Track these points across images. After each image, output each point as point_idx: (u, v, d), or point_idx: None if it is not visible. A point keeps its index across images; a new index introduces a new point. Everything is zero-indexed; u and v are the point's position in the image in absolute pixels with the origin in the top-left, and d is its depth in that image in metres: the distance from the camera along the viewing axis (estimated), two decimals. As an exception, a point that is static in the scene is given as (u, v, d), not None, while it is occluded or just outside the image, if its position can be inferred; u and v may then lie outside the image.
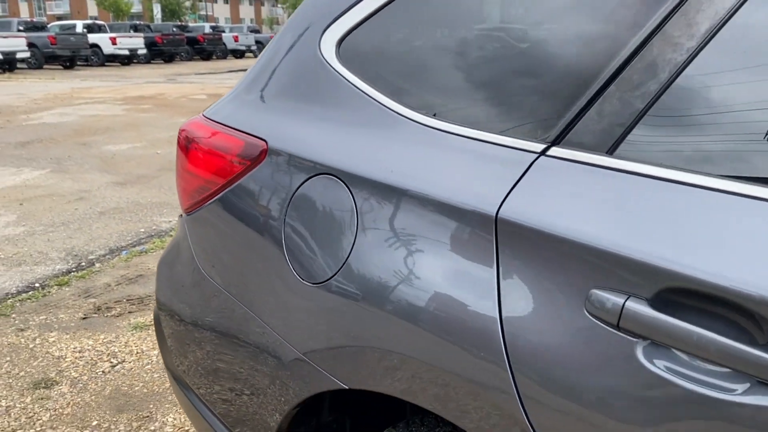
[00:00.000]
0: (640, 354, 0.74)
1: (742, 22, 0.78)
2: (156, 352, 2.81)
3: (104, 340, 2.92)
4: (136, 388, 2.55)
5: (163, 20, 55.61)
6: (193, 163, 1.35)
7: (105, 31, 27.02)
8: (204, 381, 1.38)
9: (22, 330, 3.03)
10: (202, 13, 67.63)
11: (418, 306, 0.93)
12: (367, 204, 1.02)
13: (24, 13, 67.18)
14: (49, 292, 3.47)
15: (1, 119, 9.98)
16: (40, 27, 25.17)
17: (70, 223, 4.66)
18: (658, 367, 0.72)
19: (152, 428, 2.30)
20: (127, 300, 3.34)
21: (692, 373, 0.71)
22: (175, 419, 2.35)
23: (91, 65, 26.04)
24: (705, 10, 0.80)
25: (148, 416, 2.37)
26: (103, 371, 2.67)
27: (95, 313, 3.21)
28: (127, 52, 26.43)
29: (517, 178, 0.89)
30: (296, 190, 1.13)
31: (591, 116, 0.86)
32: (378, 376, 0.99)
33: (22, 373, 2.65)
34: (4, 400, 2.46)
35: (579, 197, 0.83)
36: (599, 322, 0.76)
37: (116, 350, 2.84)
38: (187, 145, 1.37)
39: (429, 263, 0.94)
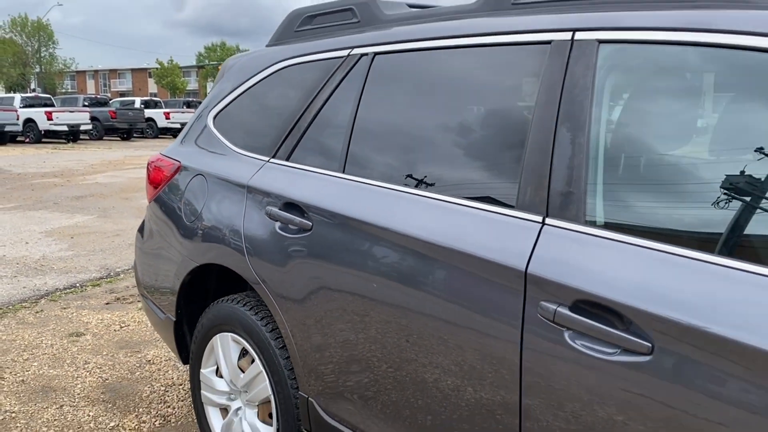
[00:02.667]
0: (566, 337, 1.35)
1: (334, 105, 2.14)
2: (151, 321, 4.15)
3: (118, 315, 4.30)
4: (135, 338, 3.89)
5: (216, 97, 59.11)
6: (150, 176, 2.75)
7: (160, 107, 29.72)
8: (148, 281, 2.73)
9: (64, 308, 4.43)
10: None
11: (227, 232, 2.28)
12: (213, 186, 2.39)
13: (90, 90, 72.51)
14: (85, 289, 4.89)
15: (63, 179, 11.81)
16: (103, 102, 27.90)
17: (107, 250, 6.14)
18: (576, 344, 1.33)
19: (139, 356, 3.63)
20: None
21: (593, 345, 1.31)
22: (155, 353, 3.67)
23: (146, 137, 28.59)
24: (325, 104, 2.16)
25: (137, 351, 3.70)
26: (114, 330, 4.03)
27: (115, 302, 4.60)
28: (179, 126, 28.94)
29: (255, 173, 2.24)
30: (189, 182, 2.51)
31: (286, 141, 2.22)
32: (211, 255, 2.33)
33: (62, 330, 4.03)
34: (50, 342, 3.82)
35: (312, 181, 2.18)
36: (545, 320, 1.40)
37: (125, 320, 4.20)
38: (148, 166, 2.78)
39: (218, 208, 2.30)
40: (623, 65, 1.54)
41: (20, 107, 23.55)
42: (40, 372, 3.40)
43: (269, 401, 2.20)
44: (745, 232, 1.29)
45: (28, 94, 26.91)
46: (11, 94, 28.36)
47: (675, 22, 1.39)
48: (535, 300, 1.41)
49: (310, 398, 2.03)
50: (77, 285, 4.99)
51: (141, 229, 2.87)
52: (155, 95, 56.07)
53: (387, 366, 1.75)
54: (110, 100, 29.82)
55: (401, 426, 1.75)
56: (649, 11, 1.46)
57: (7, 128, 22.25)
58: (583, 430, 1.34)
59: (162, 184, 2.68)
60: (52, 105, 24.95)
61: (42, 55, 48.69)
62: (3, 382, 3.27)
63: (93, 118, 25.21)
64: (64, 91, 57.41)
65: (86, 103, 26.57)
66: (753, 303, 1.15)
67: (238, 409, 2.35)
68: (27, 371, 3.40)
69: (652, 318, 1.23)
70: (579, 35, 1.54)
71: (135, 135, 27.92)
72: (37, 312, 4.35)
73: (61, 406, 3.04)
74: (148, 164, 2.82)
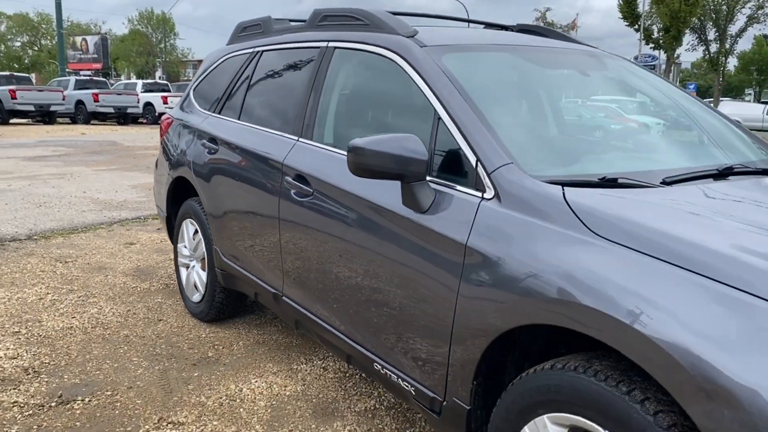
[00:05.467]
0: (292, 194, 3.57)
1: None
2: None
3: (162, 236, 6.00)
4: (166, 248, 5.56)
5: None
6: (161, 127, 4.35)
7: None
8: (156, 193, 4.34)
9: (128, 230, 6.21)
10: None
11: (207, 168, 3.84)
12: (183, 131, 3.94)
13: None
14: (146, 220, 6.68)
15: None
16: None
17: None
18: (295, 197, 3.56)
19: (164, 256, 5.28)
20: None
21: (298, 197, 3.53)
22: (176, 255, 5.32)
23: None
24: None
25: (165, 254, 5.37)
26: (155, 242, 5.74)
27: (164, 228, 6.33)
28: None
29: (202, 121, 3.78)
30: (174, 129, 4.09)
31: (219, 102, 3.73)
32: (179, 171, 3.90)
33: (122, 240, 5.78)
34: (111, 246, 5.57)
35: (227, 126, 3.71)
36: (285, 186, 3.62)
37: (165, 238, 5.89)
38: (161, 122, 4.39)
39: (183, 143, 3.85)
40: (342, 61, 2.91)
41: (141, 92, 26.62)
42: (100, 260, 5.13)
43: (204, 257, 3.73)
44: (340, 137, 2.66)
45: (148, 81, 30.14)
46: (134, 81, 31.82)
47: (361, 38, 2.76)
48: (283, 176, 2.84)
49: (215, 247, 3.55)
50: (141, 217, 6.78)
51: (156, 164, 4.49)
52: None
53: (247, 223, 3.23)
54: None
55: (246, 252, 3.23)
56: (357, 32, 2.83)
57: (130, 110, 25.22)
58: (303, 248, 2.77)
59: (164, 131, 4.27)
60: (169, 91, 27.91)
61: (163, 45, 53.33)
62: (76, 262, 5.02)
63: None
64: (186, 78, 62.45)
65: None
66: (341, 161, 2.51)
67: (193, 266, 3.91)
68: (92, 259, 5.14)
69: (311, 177, 2.64)
70: (330, 44, 2.94)
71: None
72: (108, 230, 6.16)
73: (107, 275, 4.73)
74: (162, 118, 4.42)
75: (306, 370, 3.26)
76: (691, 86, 78.06)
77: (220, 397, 2.95)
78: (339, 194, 2.49)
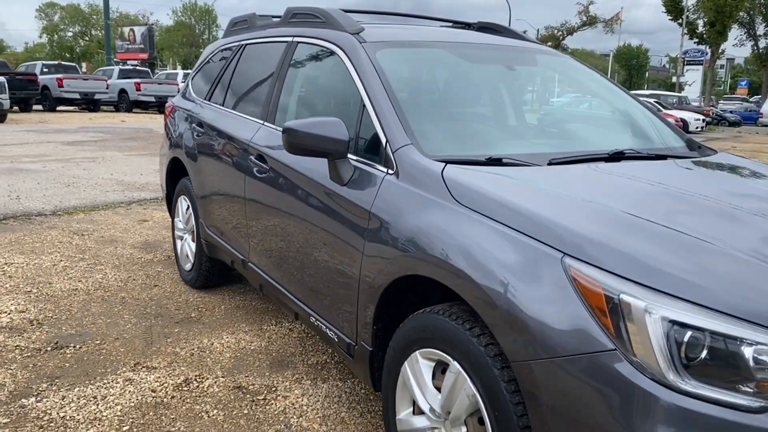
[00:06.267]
0: (254, 171, 4.00)
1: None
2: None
3: (175, 214, 6.47)
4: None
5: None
6: (166, 110, 4.80)
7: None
8: (160, 171, 4.78)
9: (145, 209, 6.71)
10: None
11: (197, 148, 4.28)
12: (181, 115, 4.37)
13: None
14: (163, 201, 7.16)
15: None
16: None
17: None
18: (256, 172, 3.98)
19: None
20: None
21: (257, 171, 3.96)
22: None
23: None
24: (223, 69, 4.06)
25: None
26: (168, 221, 6.20)
27: (178, 208, 6.81)
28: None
29: (195, 106, 4.20)
30: (175, 114, 4.52)
31: (210, 90, 4.14)
32: (175, 153, 4.33)
33: (137, 218, 6.27)
34: (126, 222, 6.07)
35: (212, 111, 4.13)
36: (250, 162, 4.05)
37: (177, 217, 6.36)
38: (165, 106, 4.83)
39: (181, 126, 4.28)
40: (301, 54, 3.27)
41: (181, 82, 27.49)
42: (113, 234, 5.62)
43: (194, 230, 4.16)
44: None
45: (188, 71, 31.03)
46: (175, 71, 32.78)
47: (316, 34, 3.13)
48: (249, 154, 3.22)
49: (201, 220, 3.96)
50: (159, 198, 7.29)
51: (161, 147, 4.93)
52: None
53: (223, 198, 3.64)
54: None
55: (223, 225, 3.63)
56: (314, 28, 3.18)
57: (169, 99, 26.14)
58: (263, 221, 3.16)
59: (167, 117, 4.71)
60: (207, 80, 28.74)
61: (207, 36, 54.53)
62: (91, 236, 5.52)
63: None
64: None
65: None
66: (276, 136, 2.88)
67: (186, 238, 4.34)
68: (106, 233, 5.64)
69: (267, 156, 3.02)
70: (294, 38, 3.31)
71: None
72: (127, 209, 6.67)
73: (116, 247, 5.21)
74: (166, 106, 4.86)
75: (273, 330, 3.65)
76: (743, 82, 75.77)
77: (193, 349, 3.36)
78: (285, 170, 2.87)
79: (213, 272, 4.16)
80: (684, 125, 28.81)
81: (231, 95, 3.87)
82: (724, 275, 1.55)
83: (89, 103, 24.54)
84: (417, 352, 2.07)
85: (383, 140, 2.40)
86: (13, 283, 4.23)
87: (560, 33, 61.65)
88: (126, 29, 51.23)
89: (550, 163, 2.34)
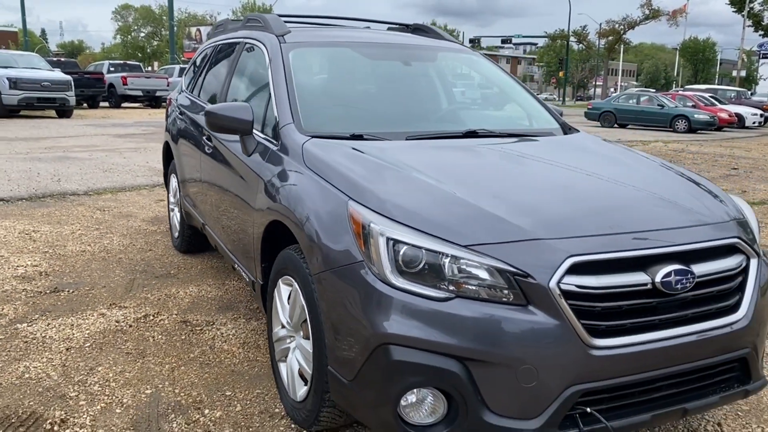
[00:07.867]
0: (205, 148, 4.76)
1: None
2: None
3: (189, 195, 7.29)
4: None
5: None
6: (166, 104, 5.58)
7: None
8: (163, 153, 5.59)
9: (144, 196, 7.56)
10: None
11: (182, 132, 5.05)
12: (174, 105, 5.14)
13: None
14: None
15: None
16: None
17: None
18: (209, 151, 4.74)
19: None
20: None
21: (221, 148, 4.72)
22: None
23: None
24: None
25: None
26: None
27: (195, 191, 7.65)
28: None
29: (180, 96, 4.96)
30: (171, 106, 5.30)
31: (192, 82, 4.89)
32: (168, 137, 5.11)
33: (156, 198, 7.12)
34: (146, 201, 6.92)
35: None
36: (204, 138, 4.81)
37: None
38: (166, 100, 5.61)
39: (172, 115, 5.05)
40: (244, 51, 3.94)
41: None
42: (130, 210, 6.47)
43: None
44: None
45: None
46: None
47: (253, 35, 3.80)
48: (204, 135, 3.93)
49: (181, 193, 4.71)
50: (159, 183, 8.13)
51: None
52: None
53: (190, 172, 4.37)
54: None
55: (192, 196, 4.36)
56: (254, 30, 3.86)
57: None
58: (216, 196, 3.87)
59: (168, 108, 5.49)
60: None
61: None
62: (111, 211, 6.39)
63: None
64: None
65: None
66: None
67: (175, 210, 5.11)
68: (124, 209, 6.50)
69: (212, 135, 3.72)
70: (243, 39, 4.00)
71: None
72: (150, 191, 7.55)
73: (128, 220, 6.05)
74: (168, 100, 5.65)
75: (233, 285, 4.36)
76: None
77: (161, 296, 4.11)
78: (221, 147, 3.56)
79: (193, 238, 4.90)
80: (740, 120, 28.14)
81: (201, 86, 4.60)
82: (442, 211, 2.14)
83: (151, 100, 26.07)
84: (279, 279, 2.72)
85: (277, 120, 3.06)
86: (35, 245, 5.10)
87: (621, 27, 60.55)
88: (193, 29, 53.43)
89: (407, 139, 2.94)
